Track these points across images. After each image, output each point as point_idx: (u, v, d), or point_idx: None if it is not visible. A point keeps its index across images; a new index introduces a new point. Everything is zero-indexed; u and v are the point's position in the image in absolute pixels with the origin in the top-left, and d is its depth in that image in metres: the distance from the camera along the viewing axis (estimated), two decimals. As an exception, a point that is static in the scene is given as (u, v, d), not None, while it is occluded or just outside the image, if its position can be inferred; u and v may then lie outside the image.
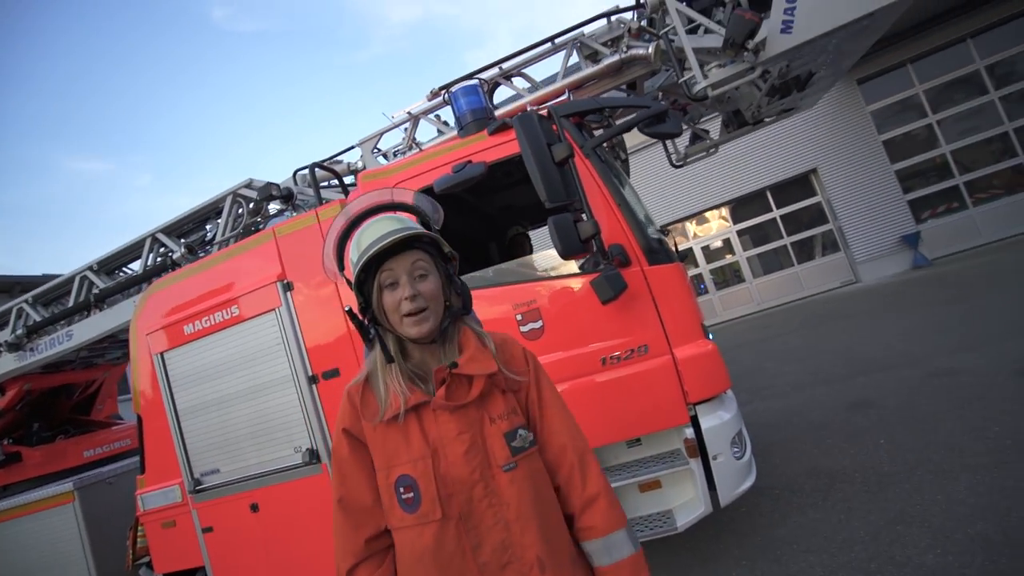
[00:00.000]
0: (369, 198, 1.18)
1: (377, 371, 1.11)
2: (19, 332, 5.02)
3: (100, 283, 4.76)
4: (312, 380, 3.01)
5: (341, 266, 1.17)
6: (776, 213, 12.67)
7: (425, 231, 1.12)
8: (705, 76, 2.98)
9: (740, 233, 13.02)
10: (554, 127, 2.60)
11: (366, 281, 1.11)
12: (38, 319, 5.04)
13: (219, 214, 4.46)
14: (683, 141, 4.56)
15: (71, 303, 4.89)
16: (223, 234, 4.26)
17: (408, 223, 1.13)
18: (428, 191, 2.84)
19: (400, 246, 1.08)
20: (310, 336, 3.05)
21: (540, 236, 4.27)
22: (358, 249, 1.11)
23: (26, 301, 5.14)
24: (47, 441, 5.59)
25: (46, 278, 9.11)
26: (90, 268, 4.83)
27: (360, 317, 1.14)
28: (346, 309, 1.15)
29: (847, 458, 3.43)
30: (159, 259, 4.64)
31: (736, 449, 2.57)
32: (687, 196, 12.82)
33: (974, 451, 2.99)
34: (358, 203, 1.17)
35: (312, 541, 2.99)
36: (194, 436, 3.29)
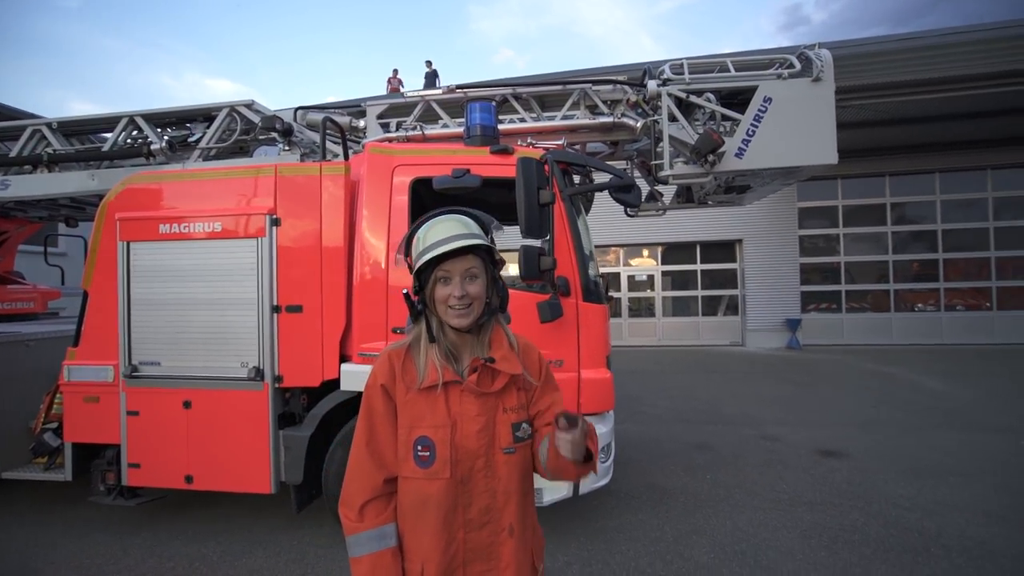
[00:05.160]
0: (446, 210, 1.35)
1: (420, 344, 1.30)
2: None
3: (56, 143, 4.63)
4: (276, 310, 3.36)
5: (407, 251, 1.33)
6: (699, 267, 14.15)
7: (483, 242, 1.27)
8: (671, 167, 3.70)
9: (664, 274, 14.39)
10: (546, 168, 3.16)
11: (425, 271, 1.25)
12: (-30, 156, 4.76)
13: (207, 120, 4.54)
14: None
15: (15, 152, 4.69)
16: (208, 142, 4.37)
17: (471, 227, 1.28)
18: (427, 183, 3.30)
19: (459, 249, 1.22)
20: (284, 271, 3.38)
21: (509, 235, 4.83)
22: (423, 243, 1.25)
23: (-41, 133, 4.82)
24: (-61, 280, 5.29)
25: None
26: (47, 124, 4.67)
27: (413, 298, 1.30)
28: (404, 292, 1.34)
29: (679, 483, 4.39)
30: (128, 141, 4.62)
31: (602, 456, 3.33)
32: (630, 227, 13.89)
33: (764, 497, 4.04)
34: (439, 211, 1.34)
35: (235, 445, 3.37)
36: (142, 327, 3.49)
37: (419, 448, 1.25)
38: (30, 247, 7.06)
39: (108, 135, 4.67)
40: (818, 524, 3.57)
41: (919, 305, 13.10)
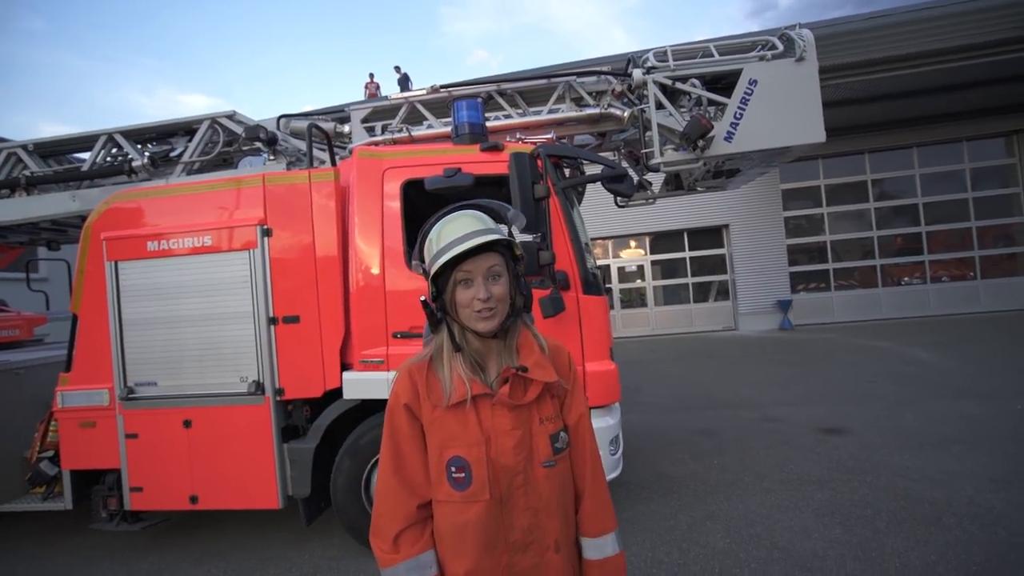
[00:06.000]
0: (458, 205, 1.25)
1: (442, 356, 1.20)
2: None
3: (33, 165, 4.51)
4: (272, 321, 3.30)
5: (421, 255, 1.22)
6: (687, 254, 14.25)
7: (502, 236, 1.17)
8: (662, 154, 3.71)
9: (653, 263, 14.46)
10: (539, 162, 3.14)
11: (442, 274, 1.15)
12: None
13: (188, 133, 4.46)
14: (630, 186, 5.31)
15: (-11, 177, 4.56)
16: (191, 156, 4.29)
17: (488, 222, 1.17)
18: (418, 185, 3.26)
19: (479, 248, 1.12)
20: (279, 282, 3.32)
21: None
22: (437, 244, 1.15)
23: (-70, 160, 4.67)
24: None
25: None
26: (23, 147, 4.55)
27: (431, 305, 1.18)
28: (421, 299, 1.20)
29: (687, 470, 4.40)
30: (108, 159, 4.52)
31: (612, 448, 3.33)
32: (617, 218, 13.94)
33: (772, 479, 4.06)
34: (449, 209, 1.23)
35: (240, 462, 3.31)
36: (135, 347, 3.41)
37: (453, 470, 1.15)
38: (11, 274, 6.89)
39: (86, 155, 4.57)
40: (829, 502, 3.59)
41: (905, 279, 13.31)
